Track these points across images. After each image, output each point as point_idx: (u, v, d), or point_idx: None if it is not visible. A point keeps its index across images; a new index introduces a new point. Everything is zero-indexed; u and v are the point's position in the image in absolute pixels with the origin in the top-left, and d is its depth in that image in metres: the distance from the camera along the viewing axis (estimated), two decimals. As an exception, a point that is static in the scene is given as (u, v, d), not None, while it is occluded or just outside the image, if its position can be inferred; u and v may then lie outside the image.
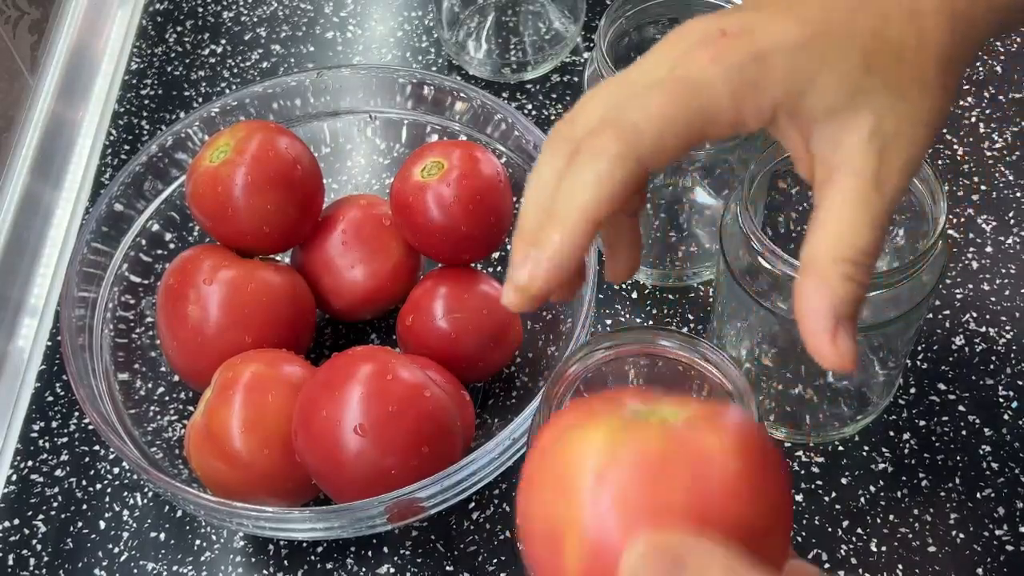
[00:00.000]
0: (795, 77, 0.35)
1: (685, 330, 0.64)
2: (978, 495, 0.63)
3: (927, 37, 0.37)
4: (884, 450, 0.65)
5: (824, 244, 0.36)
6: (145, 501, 0.67)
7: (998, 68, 0.82)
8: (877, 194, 0.36)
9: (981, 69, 0.82)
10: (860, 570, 0.61)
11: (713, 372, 0.48)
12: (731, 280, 0.57)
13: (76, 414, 0.70)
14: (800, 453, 0.66)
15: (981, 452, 0.65)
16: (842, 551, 0.62)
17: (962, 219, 0.74)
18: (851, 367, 0.35)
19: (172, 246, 0.71)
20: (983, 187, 0.76)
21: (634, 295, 0.72)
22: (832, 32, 0.36)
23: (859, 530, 0.63)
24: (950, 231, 0.74)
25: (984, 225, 0.74)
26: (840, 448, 0.65)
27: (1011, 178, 0.76)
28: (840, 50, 0.36)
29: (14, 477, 0.68)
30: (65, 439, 0.69)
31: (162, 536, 0.65)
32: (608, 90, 0.37)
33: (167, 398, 0.68)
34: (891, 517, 0.63)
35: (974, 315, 0.70)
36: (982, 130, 0.78)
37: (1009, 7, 0.39)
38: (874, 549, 0.62)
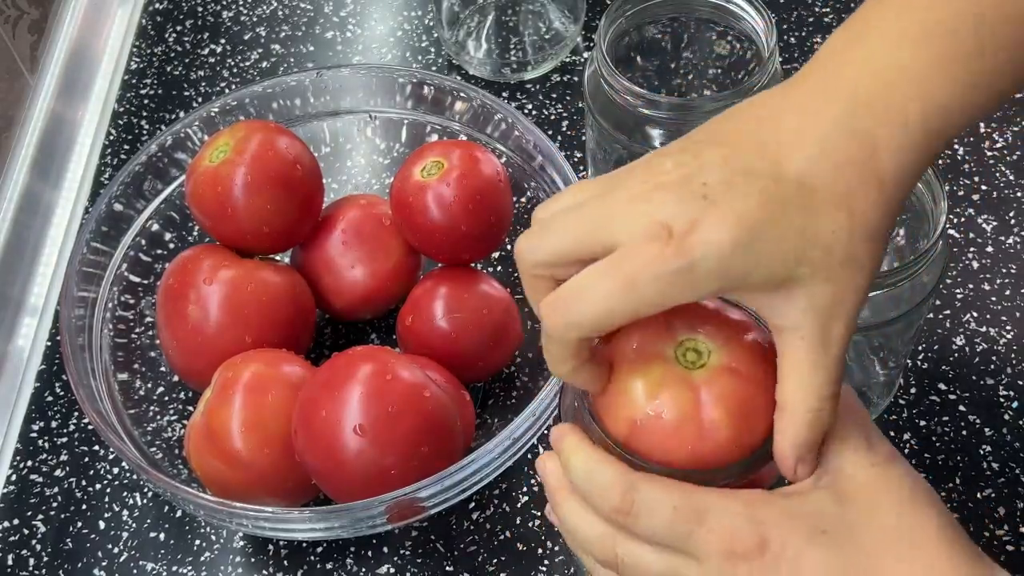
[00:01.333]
0: (728, 276, 0.39)
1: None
2: (978, 495, 0.63)
3: (856, 220, 0.40)
4: (884, 450, 0.65)
5: (787, 396, 0.42)
6: (145, 501, 0.67)
7: (998, 68, 0.81)
8: (825, 353, 0.41)
9: (981, 69, 0.81)
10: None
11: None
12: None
13: (76, 414, 0.70)
14: (800, 453, 0.65)
15: (981, 452, 0.65)
16: (842, 551, 0.62)
17: (962, 219, 0.74)
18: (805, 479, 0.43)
19: (172, 246, 0.71)
20: (983, 187, 0.76)
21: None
22: (764, 234, 0.39)
23: (859, 530, 0.63)
24: (950, 231, 0.74)
25: (984, 225, 0.74)
26: (840, 448, 0.65)
27: (1011, 178, 0.76)
28: (771, 252, 0.39)
29: (14, 477, 0.68)
30: (65, 439, 0.69)
31: (162, 536, 0.65)
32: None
33: (167, 398, 0.68)
34: (891, 517, 0.63)
35: (974, 315, 0.70)
36: (982, 130, 0.78)
37: (934, 153, 0.42)
38: None
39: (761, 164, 0.40)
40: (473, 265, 0.70)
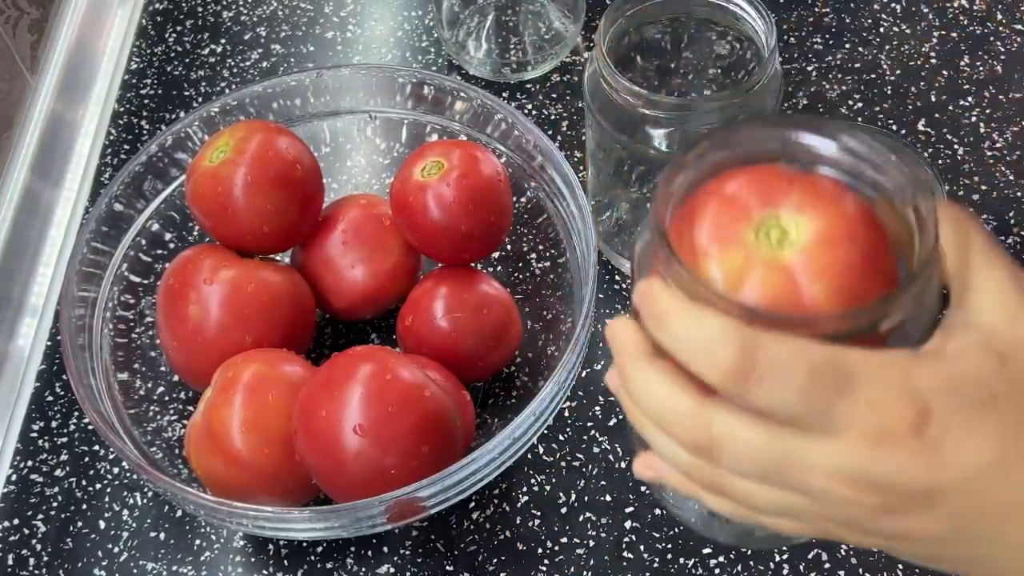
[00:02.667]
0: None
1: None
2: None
3: None
4: (884, 450, 0.65)
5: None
6: (145, 501, 0.67)
7: (998, 68, 0.82)
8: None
9: (981, 69, 0.82)
10: (860, 570, 0.61)
11: (871, 166, 0.40)
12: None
13: (76, 414, 0.70)
14: (800, 453, 0.65)
15: (981, 452, 0.65)
16: (842, 551, 0.62)
17: (962, 219, 0.74)
18: None
19: (172, 246, 0.71)
20: (983, 187, 0.76)
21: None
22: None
23: (859, 530, 0.63)
24: (950, 231, 0.74)
25: (984, 225, 0.74)
26: (840, 448, 0.65)
27: (1011, 178, 0.76)
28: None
29: (14, 477, 0.68)
30: (65, 439, 0.69)
31: (162, 536, 0.65)
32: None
33: (167, 398, 0.68)
34: (891, 517, 0.63)
35: (974, 315, 0.70)
36: (982, 130, 0.78)
37: None
38: (874, 549, 0.62)
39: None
40: (473, 265, 0.70)
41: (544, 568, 0.63)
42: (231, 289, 0.63)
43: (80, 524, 0.66)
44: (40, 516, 0.66)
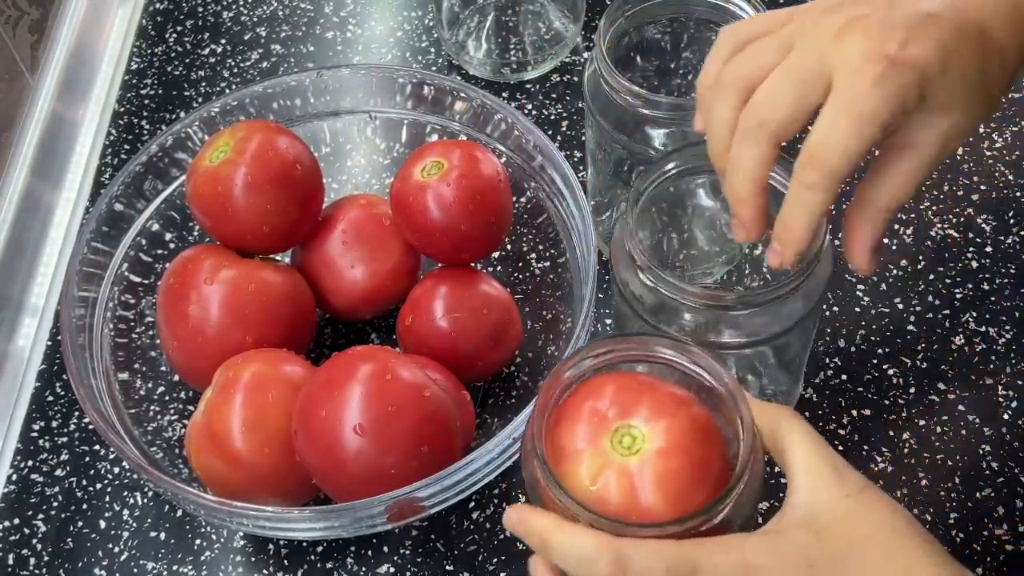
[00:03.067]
0: (928, 94, 0.45)
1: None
2: (977, 495, 0.63)
3: (1008, 68, 0.47)
4: (884, 450, 0.65)
5: (876, 196, 0.49)
6: (145, 501, 0.67)
7: (998, 68, 0.82)
8: (929, 168, 0.48)
9: (981, 69, 0.82)
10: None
11: (705, 376, 0.49)
12: (619, 296, 0.58)
13: (76, 414, 0.70)
14: (800, 453, 0.66)
15: (981, 452, 0.65)
16: (842, 551, 0.62)
17: (961, 219, 0.74)
18: (868, 273, 0.55)
19: (172, 246, 0.71)
20: (983, 187, 0.76)
21: (634, 295, 0.72)
22: (954, 63, 0.45)
23: (859, 530, 0.63)
24: (950, 231, 0.74)
25: (984, 225, 0.74)
26: (840, 448, 0.65)
27: (1011, 178, 0.76)
28: (955, 78, 0.45)
29: (14, 477, 0.68)
30: (65, 439, 0.69)
31: (162, 536, 0.65)
32: None
33: (167, 398, 0.68)
34: (891, 517, 0.63)
35: (974, 315, 0.70)
36: (982, 130, 0.78)
37: None
38: None
39: (948, 9, 0.45)
40: (473, 265, 0.70)
41: (544, 568, 0.63)
42: (231, 289, 0.63)
43: (80, 524, 0.66)
44: (40, 516, 0.66)
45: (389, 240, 0.68)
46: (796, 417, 0.46)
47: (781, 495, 0.64)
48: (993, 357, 0.69)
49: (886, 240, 0.74)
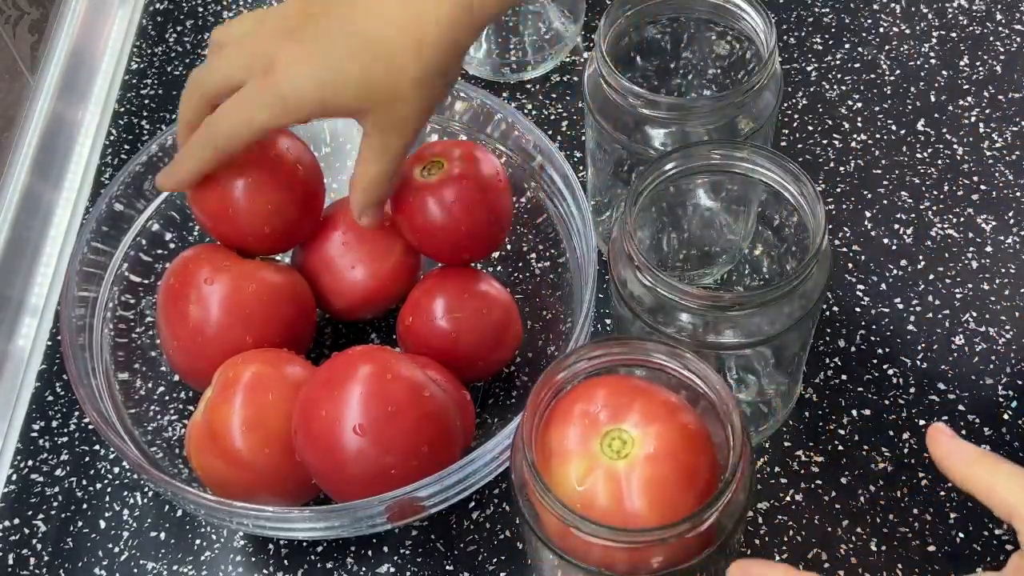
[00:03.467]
0: (313, 105, 0.56)
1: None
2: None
3: (403, 70, 0.56)
4: (884, 450, 0.65)
5: (357, 178, 0.60)
6: (145, 501, 0.67)
7: (998, 68, 0.82)
8: (383, 157, 0.59)
9: (981, 69, 0.82)
10: (860, 570, 0.61)
11: (698, 382, 0.49)
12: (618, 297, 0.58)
13: (76, 414, 0.70)
14: (800, 452, 0.66)
15: (981, 452, 0.65)
16: (842, 551, 0.62)
17: (961, 219, 0.74)
18: (369, 227, 0.63)
19: (172, 246, 0.71)
20: (983, 187, 0.76)
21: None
22: (338, 74, 0.55)
23: (859, 530, 0.63)
24: (950, 231, 0.74)
25: (984, 225, 0.74)
26: (840, 448, 0.65)
27: (1011, 178, 0.76)
28: (344, 87, 0.56)
29: (14, 477, 0.68)
30: (65, 439, 0.69)
31: (162, 536, 0.65)
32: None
33: (167, 398, 0.68)
34: (891, 517, 0.63)
35: (974, 315, 0.70)
36: (982, 130, 0.79)
37: (474, 28, 0.56)
38: (874, 549, 0.62)
39: (340, 21, 0.56)
40: (473, 265, 0.70)
41: (544, 568, 0.63)
42: (232, 289, 0.63)
43: (80, 524, 0.66)
44: (40, 516, 0.66)
45: (389, 241, 0.68)
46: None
47: (781, 495, 0.64)
48: (993, 357, 0.69)
49: (886, 240, 0.74)
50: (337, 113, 0.57)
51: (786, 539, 0.63)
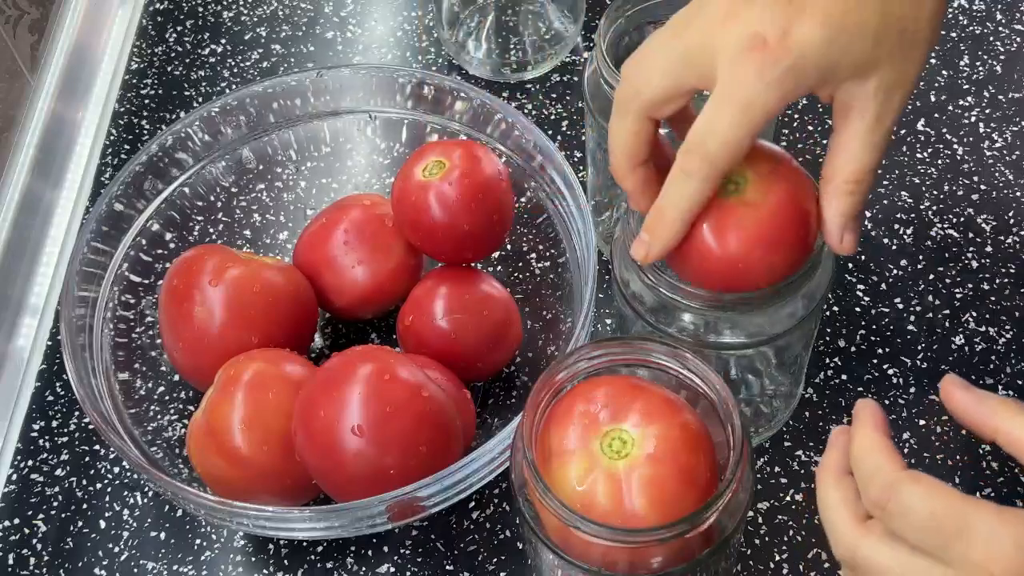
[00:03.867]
0: (822, 69, 0.45)
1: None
2: (978, 495, 0.63)
3: (922, 10, 0.46)
4: (884, 450, 0.65)
5: (836, 168, 0.48)
6: (145, 501, 0.67)
7: (998, 68, 0.82)
8: (877, 131, 0.47)
9: (981, 69, 0.82)
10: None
11: (698, 382, 0.49)
12: (620, 296, 0.58)
13: (76, 414, 0.70)
14: (800, 452, 0.66)
15: (981, 452, 0.65)
16: (842, 551, 0.62)
17: (961, 219, 0.74)
18: (851, 251, 0.50)
19: (172, 246, 0.71)
20: (983, 187, 0.76)
21: (634, 295, 0.72)
22: (848, 27, 0.44)
23: (859, 530, 0.63)
24: (950, 231, 0.74)
25: (984, 225, 0.74)
26: (840, 448, 0.66)
27: (1011, 178, 0.76)
28: (856, 41, 0.45)
29: (14, 477, 0.68)
30: (65, 439, 0.69)
31: (162, 535, 0.65)
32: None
33: (167, 398, 0.68)
34: (891, 517, 0.63)
35: (974, 315, 0.70)
36: (982, 130, 0.79)
37: None
38: None
39: None
40: (473, 265, 0.70)
41: (544, 568, 0.63)
42: (237, 290, 0.63)
43: (80, 524, 0.66)
44: (40, 516, 0.66)
45: (391, 240, 0.68)
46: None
47: (781, 495, 0.64)
48: (993, 357, 0.69)
49: (886, 240, 0.74)
50: (845, 73, 0.46)
51: (786, 539, 0.63)
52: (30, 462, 0.69)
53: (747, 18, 0.45)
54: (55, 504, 0.67)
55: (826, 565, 0.62)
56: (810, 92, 0.46)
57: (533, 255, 0.72)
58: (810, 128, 0.80)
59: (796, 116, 0.80)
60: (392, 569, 0.63)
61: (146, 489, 0.67)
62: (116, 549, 0.65)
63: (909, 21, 0.46)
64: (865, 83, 0.46)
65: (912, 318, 0.70)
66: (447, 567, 0.63)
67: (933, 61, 0.82)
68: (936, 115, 0.79)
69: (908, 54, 0.46)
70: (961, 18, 0.85)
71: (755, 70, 0.44)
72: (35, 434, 0.70)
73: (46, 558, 0.65)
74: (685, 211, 0.48)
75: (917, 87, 0.74)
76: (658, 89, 0.48)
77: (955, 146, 0.78)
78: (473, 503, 0.65)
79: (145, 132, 0.83)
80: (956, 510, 0.41)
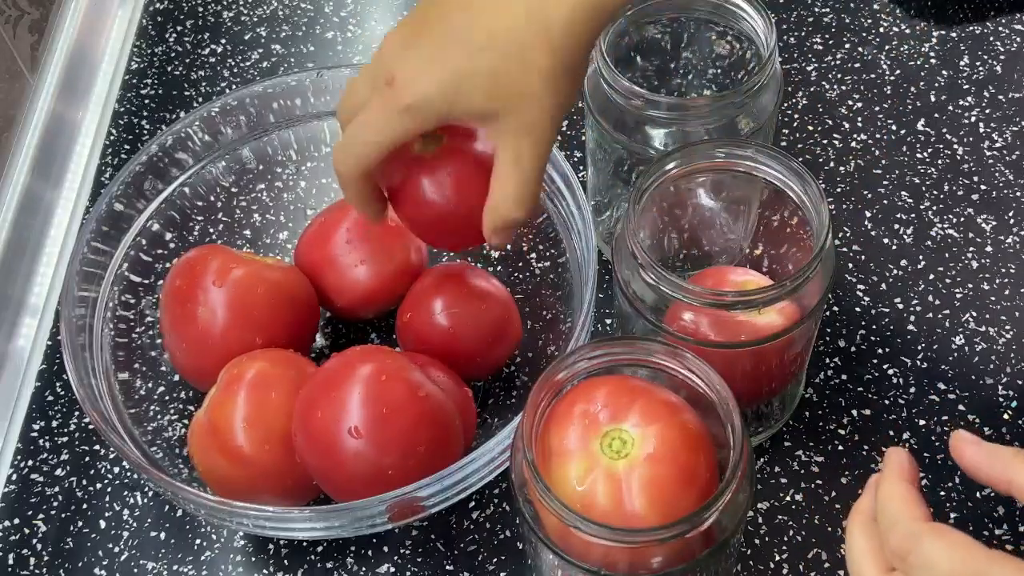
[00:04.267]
0: (441, 113, 0.52)
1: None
2: (978, 495, 0.63)
3: (532, 65, 0.51)
4: (884, 450, 0.65)
5: (491, 197, 0.55)
6: (145, 501, 0.67)
7: (998, 68, 0.82)
8: (517, 167, 0.53)
9: (981, 69, 0.82)
10: (860, 570, 0.61)
11: (698, 383, 0.49)
12: (621, 295, 0.58)
13: (76, 414, 0.70)
14: (800, 452, 0.66)
15: (981, 452, 0.65)
16: (842, 551, 0.62)
17: (961, 219, 0.74)
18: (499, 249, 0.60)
19: (172, 246, 0.71)
20: (983, 187, 0.76)
21: (634, 295, 0.72)
22: (461, 82, 0.52)
23: (859, 530, 0.63)
24: (950, 231, 0.74)
25: (984, 225, 0.74)
26: (840, 448, 0.65)
27: (1011, 178, 0.76)
28: (471, 93, 0.52)
29: (14, 477, 0.68)
30: (65, 439, 0.69)
31: (162, 535, 0.65)
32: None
33: (167, 398, 0.68)
34: (891, 517, 0.63)
35: (974, 315, 0.70)
36: (982, 130, 0.79)
37: (601, 17, 0.52)
38: None
39: (458, 24, 0.52)
40: (473, 264, 0.70)
41: (544, 568, 0.63)
42: (241, 291, 0.63)
43: (80, 524, 0.66)
44: (40, 516, 0.66)
45: (393, 240, 0.68)
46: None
47: (781, 495, 0.64)
48: (993, 357, 0.69)
49: (886, 240, 0.74)
50: (465, 118, 0.53)
51: (786, 539, 0.63)
52: (30, 462, 0.69)
53: (392, 60, 0.53)
54: (55, 504, 0.67)
55: (826, 565, 0.62)
56: (439, 125, 0.53)
57: (533, 255, 0.72)
58: (810, 128, 0.79)
59: (796, 116, 0.80)
60: (392, 569, 0.63)
61: (146, 489, 0.67)
62: (116, 549, 0.65)
63: (520, 81, 0.52)
64: (495, 128, 0.53)
65: (912, 318, 0.70)
66: (447, 567, 0.63)
67: (933, 60, 0.82)
68: (936, 115, 0.79)
69: (527, 107, 0.52)
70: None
71: (382, 103, 0.53)
72: (35, 434, 0.70)
73: (46, 558, 0.65)
74: (357, 197, 0.57)
75: (918, 97, 0.74)
76: (351, 105, 0.56)
77: (955, 146, 0.78)
78: (473, 503, 0.65)
79: (145, 132, 0.83)
80: (977, 566, 0.42)
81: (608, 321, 0.72)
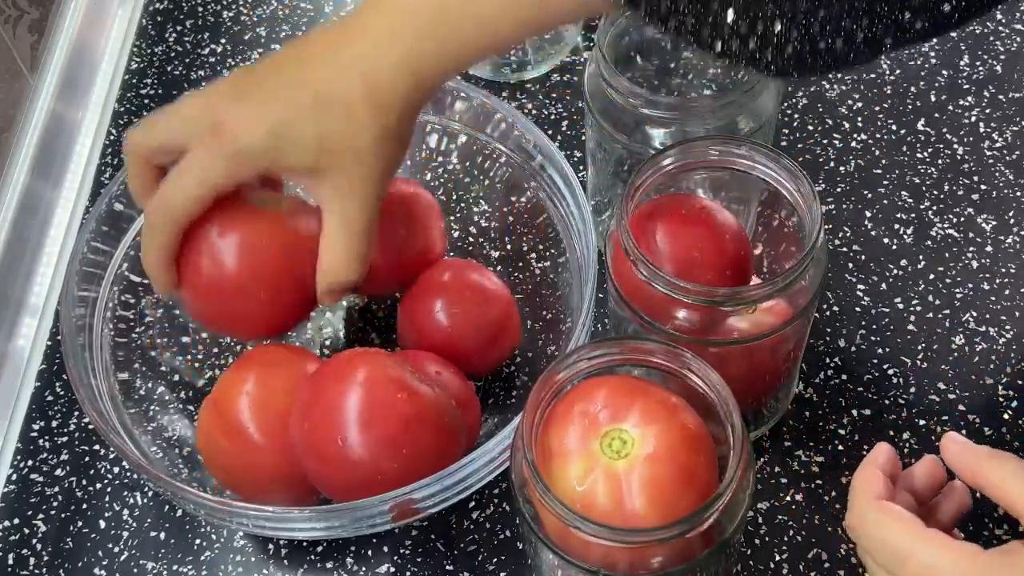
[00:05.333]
0: (267, 161, 0.53)
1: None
2: (977, 494, 0.63)
3: (357, 128, 0.53)
4: (884, 450, 0.65)
5: (321, 262, 0.56)
6: (145, 500, 0.67)
7: (998, 68, 0.82)
8: (346, 227, 0.55)
9: (981, 69, 0.82)
10: (860, 570, 0.61)
11: (698, 382, 0.49)
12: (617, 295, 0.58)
13: (76, 413, 0.70)
14: (800, 452, 0.66)
15: (981, 452, 0.65)
16: (842, 551, 0.62)
17: (961, 219, 0.74)
18: (329, 303, 0.59)
19: (172, 246, 0.71)
20: (983, 187, 0.76)
21: (634, 295, 0.72)
22: (287, 138, 0.52)
23: (859, 530, 0.63)
24: (950, 231, 0.74)
25: (984, 225, 0.74)
26: (840, 448, 0.66)
27: (1011, 177, 0.76)
28: (296, 150, 0.53)
29: (14, 477, 0.68)
30: (65, 439, 0.69)
31: (162, 535, 0.65)
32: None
33: (167, 398, 0.68)
34: (891, 517, 0.63)
35: (974, 315, 0.70)
36: (982, 130, 0.79)
37: (424, 87, 0.54)
38: None
39: (289, 79, 0.53)
40: (472, 262, 0.70)
41: (544, 568, 0.63)
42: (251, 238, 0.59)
43: (80, 524, 0.66)
44: (40, 516, 0.66)
45: (419, 223, 0.67)
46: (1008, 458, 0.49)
47: (781, 495, 0.64)
48: (993, 357, 0.69)
49: (886, 240, 0.74)
50: (291, 172, 0.54)
51: (786, 539, 0.63)
52: (30, 462, 0.69)
53: (223, 107, 0.53)
54: (55, 504, 0.67)
55: (826, 565, 0.62)
56: (261, 174, 0.54)
57: (533, 255, 0.72)
58: (810, 128, 0.79)
59: (796, 116, 0.80)
60: (392, 569, 0.63)
61: (146, 489, 0.67)
62: (116, 549, 0.65)
63: (347, 141, 0.53)
64: (320, 186, 0.54)
65: (912, 318, 0.70)
66: (447, 567, 0.63)
67: (933, 60, 0.82)
68: (936, 115, 0.79)
69: (354, 167, 0.53)
70: (961, 18, 0.84)
71: (205, 149, 0.53)
72: (35, 434, 0.70)
73: (46, 558, 0.65)
74: (154, 255, 0.56)
75: (918, 97, 0.74)
76: (155, 141, 0.56)
77: (955, 146, 0.78)
78: (473, 503, 0.65)
79: (145, 132, 0.83)
80: (910, 541, 0.47)
81: (607, 321, 0.72)
